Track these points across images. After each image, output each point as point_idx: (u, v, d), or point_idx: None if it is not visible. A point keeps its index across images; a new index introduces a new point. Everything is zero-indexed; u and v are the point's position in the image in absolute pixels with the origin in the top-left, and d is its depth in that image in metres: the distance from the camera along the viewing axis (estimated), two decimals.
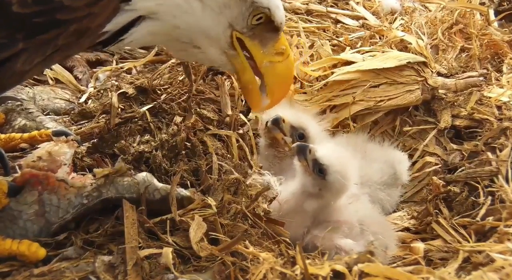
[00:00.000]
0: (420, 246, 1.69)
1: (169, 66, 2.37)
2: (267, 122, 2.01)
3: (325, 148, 1.77)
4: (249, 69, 1.62)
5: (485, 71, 2.38)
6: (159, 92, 2.20)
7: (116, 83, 2.22)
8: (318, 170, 1.71)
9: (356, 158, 1.91)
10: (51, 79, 2.36)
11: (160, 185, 1.64)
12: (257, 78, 1.65)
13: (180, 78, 2.25)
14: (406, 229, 1.91)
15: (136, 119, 2.02)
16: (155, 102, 2.11)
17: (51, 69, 2.37)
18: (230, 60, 1.60)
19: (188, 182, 1.79)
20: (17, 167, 1.67)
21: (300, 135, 2.00)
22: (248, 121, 2.14)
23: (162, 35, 1.49)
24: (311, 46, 2.57)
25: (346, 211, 1.75)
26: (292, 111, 2.07)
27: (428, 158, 2.12)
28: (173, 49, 1.73)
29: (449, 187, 1.88)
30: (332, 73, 2.28)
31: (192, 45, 1.54)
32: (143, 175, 1.65)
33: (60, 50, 1.28)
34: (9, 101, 2.01)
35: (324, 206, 1.73)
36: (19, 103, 2.01)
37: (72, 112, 2.17)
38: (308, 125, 2.03)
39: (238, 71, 1.63)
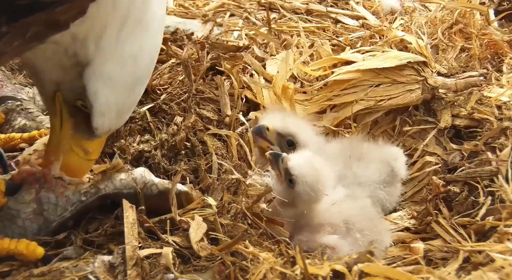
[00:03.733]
0: (420, 246, 1.69)
1: (169, 66, 2.37)
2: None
3: (299, 157, 1.75)
4: (57, 133, 1.45)
5: (485, 71, 2.37)
6: (159, 92, 2.20)
7: None
8: (289, 180, 1.70)
9: (335, 166, 1.88)
10: None
11: (157, 180, 1.64)
12: None
13: (180, 78, 2.25)
14: (406, 229, 1.91)
15: (136, 119, 2.02)
16: (155, 102, 2.12)
17: None
18: (50, 111, 1.46)
19: (188, 181, 1.79)
20: (13, 164, 1.67)
21: (289, 141, 1.96)
22: (248, 121, 2.14)
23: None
24: (311, 46, 2.57)
25: (328, 214, 1.74)
26: (281, 116, 2.02)
27: (428, 158, 2.12)
28: None
29: (449, 187, 1.87)
30: (332, 72, 2.28)
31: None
32: (141, 171, 1.65)
33: (32, 39, 1.23)
34: (9, 101, 2.01)
35: (301, 213, 1.72)
36: (19, 103, 2.01)
37: None
38: (298, 130, 1.98)
39: (52, 124, 1.48)
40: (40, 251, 1.42)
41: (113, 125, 1.43)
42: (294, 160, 1.72)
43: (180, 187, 1.64)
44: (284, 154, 1.75)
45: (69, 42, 1.31)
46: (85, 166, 1.51)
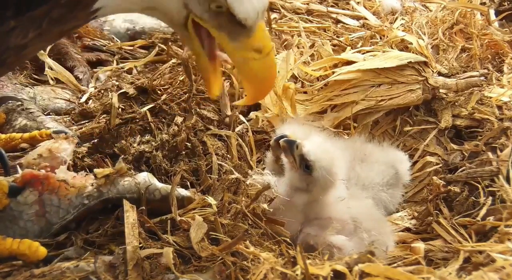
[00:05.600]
0: (420, 246, 1.69)
1: (169, 66, 2.37)
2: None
3: (313, 143, 1.74)
4: (203, 56, 1.43)
5: (485, 71, 2.37)
6: (159, 92, 2.20)
7: (117, 83, 2.23)
8: (305, 166, 1.69)
9: (344, 155, 1.87)
10: (52, 79, 2.36)
11: (160, 185, 1.64)
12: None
13: (181, 78, 2.25)
14: (407, 229, 1.91)
15: (136, 120, 2.02)
16: (155, 102, 2.12)
17: (51, 69, 2.37)
18: (186, 41, 1.44)
19: (188, 182, 1.79)
20: (17, 166, 1.67)
21: None
22: (248, 121, 2.14)
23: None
24: (311, 46, 2.57)
25: (338, 208, 1.74)
26: (302, 128, 2.00)
27: (429, 158, 2.11)
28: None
29: (449, 187, 1.87)
30: (333, 72, 2.28)
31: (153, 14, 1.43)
32: (144, 175, 1.65)
33: (55, 24, 1.24)
34: (10, 101, 2.02)
35: (314, 201, 1.72)
36: (19, 103, 2.02)
37: (72, 112, 2.18)
38: None
39: (194, 54, 1.48)
40: (42, 251, 1.42)
41: (258, 6, 1.35)
42: (309, 146, 1.71)
43: (183, 192, 1.64)
44: (299, 141, 1.74)
45: None
46: (268, 64, 1.43)
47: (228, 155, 1.95)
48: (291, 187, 1.72)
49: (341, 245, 1.63)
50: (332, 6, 3.15)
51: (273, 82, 1.60)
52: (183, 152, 1.89)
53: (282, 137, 1.89)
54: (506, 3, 3.08)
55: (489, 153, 1.94)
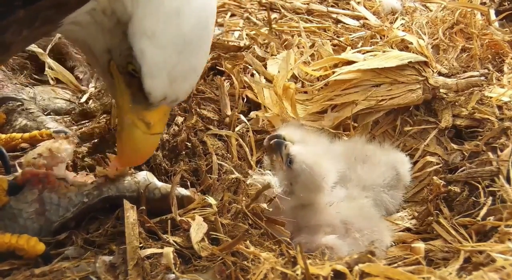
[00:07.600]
0: (421, 246, 1.68)
1: None
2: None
3: (300, 146, 1.79)
4: (126, 108, 1.34)
5: (486, 71, 2.37)
6: None
7: None
8: (288, 161, 1.73)
9: (338, 158, 1.88)
10: (52, 79, 2.36)
11: (160, 184, 1.64)
12: None
13: None
14: (407, 229, 1.91)
15: None
16: None
17: (51, 69, 2.37)
18: (110, 89, 1.38)
19: (188, 182, 1.79)
20: (17, 165, 1.67)
21: None
22: (248, 120, 2.14)
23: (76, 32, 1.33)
24: (312, 46, 2.57)
25: (327, 214, 1.74)
26: (299, 131, 2.00)
27: (429, 158, 2.11)
28: None
29: (449, 187, 1.87)
30: (333, 72, 2.28)
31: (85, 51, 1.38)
32: (143, 174, 1.65)
33: (42, 24, 1.20)
34: (10, 102, 2.02)
35: (302, 207, 1.72)
36: (19, 103, 2.02)
37: (73, 112, 2.18)
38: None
39: (116, 102, 1.40)
40: (40, 246, 1.42)
41: (168, 91, 1.30)
42: (296, 147, 1.76)
43: (182, 191, 1.64)
44: (287, 142, 1.78)
45: (105, 2, 1.24)
46: (150, 142, 1.38)
47: (228, 155, 1.95)
48: (279, 191, 1.70)
49: (333, 244, 1.64)
50: (332, 6, 3.16)
51: (145, 159, 1.55)
52: (183, 152, 1.89)
53: (276, 136, 1.90)
54: (506, 3, 3.08)
55: (489, 153, 1.94)
